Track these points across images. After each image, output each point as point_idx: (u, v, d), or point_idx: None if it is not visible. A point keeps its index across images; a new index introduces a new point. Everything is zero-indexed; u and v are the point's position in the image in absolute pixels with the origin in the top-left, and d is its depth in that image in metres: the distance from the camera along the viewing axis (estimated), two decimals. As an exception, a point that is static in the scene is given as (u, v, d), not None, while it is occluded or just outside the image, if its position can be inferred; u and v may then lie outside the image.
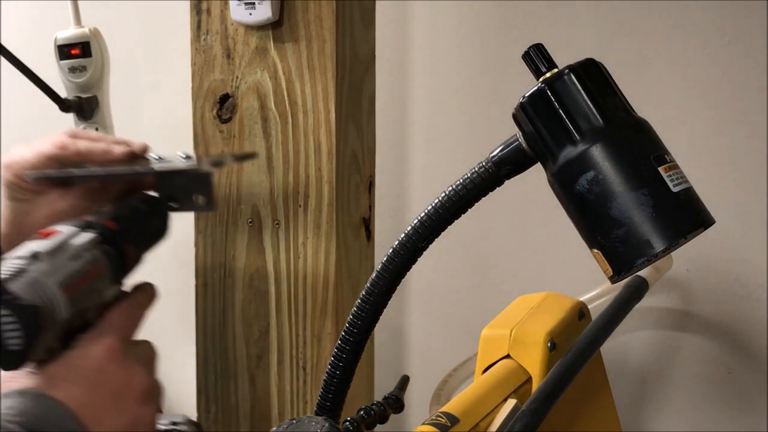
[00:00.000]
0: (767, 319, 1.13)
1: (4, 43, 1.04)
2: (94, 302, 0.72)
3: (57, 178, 0.82)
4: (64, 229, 0.71)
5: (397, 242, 0.61)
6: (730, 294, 1.15)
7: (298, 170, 0.96)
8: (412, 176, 1.33)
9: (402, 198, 1.34)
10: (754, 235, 1.13)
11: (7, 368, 0.66)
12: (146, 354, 0.75)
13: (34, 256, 0.66)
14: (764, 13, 1.09)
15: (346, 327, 0.64)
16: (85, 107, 1.14)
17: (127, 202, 0.81)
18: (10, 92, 1.57)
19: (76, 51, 1.12)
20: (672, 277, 1.16)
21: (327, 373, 0.65)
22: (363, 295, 0.63)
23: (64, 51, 1.13)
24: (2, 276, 0.64)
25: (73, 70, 1.13)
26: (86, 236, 0.71)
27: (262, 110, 0.97)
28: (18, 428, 0.62)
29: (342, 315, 0.96)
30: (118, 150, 0.84)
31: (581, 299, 0.77)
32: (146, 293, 0.78)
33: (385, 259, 0.62)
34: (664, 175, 0.52)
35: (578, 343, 0.60)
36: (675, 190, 0.52)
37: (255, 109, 0.97)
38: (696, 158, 1.14)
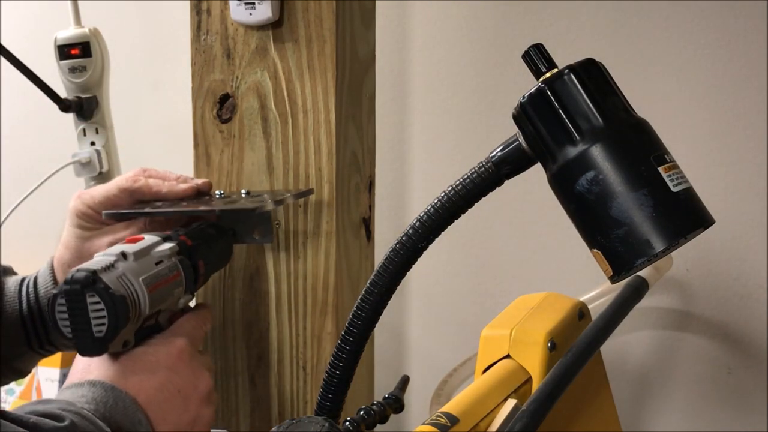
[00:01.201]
0: (767, 319, 1.14)
1: (4, 43, 1.04)
2: (168, 306, 0.78)
3: (127, 214, 0.86)
4: (147, 237, 0.78)
5: (397, 242, 0.61)
6: (730, 294, 1.15)
7: (298, 170, 0.96)
8: (412, 176, 1.33)
9: (402, 198, 1.34)
10: (754, 235, 1.13)
11: (88, 354, 0.71)
12: (208, 363, 0.80)
13: (123, 255, 0.73)
14: (764, 13, 1.09)
15: (346, 327, 0.64)
16: (85, 107, 1.14)
17: (197, 225, 0.87)
18: (9, 92, 1.57)
19: (76, 51, 1.12)
20: (672, 277, 1.16)
21: (327, 373, 0.65)
22: (363, 295, 0.63)
23: (64, 51, 1.13)
24: (95, 267, 0.69)
25: (73, 70, 1.13)
26: (167, 245, 0.78)
27: (262, 110, 0.97)
28: (90, 414, 0.66)
29: (342, 315, 0.96)
30: (183, 187, 0.90)
31: (581, 299, 0.77)
32: (208, 310, 0.85)
33: (385, 259, 0.62)
34: (664, 175, 0.52)
35: (578, 343, 0.60)
36: (675, 190, 0.52)
37: (255, 109, 0.97)
38: (696, 158, 1.14)
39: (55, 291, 0.69)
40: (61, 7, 1.15)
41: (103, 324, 0.68)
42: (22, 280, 0.91)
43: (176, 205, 0.87)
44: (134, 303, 0.71)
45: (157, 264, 0.75)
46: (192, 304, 0.85)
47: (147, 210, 0.85)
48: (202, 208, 0.86)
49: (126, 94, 1.32)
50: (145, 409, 0.71)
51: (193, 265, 0.81)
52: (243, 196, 0.93)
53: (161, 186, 0.88)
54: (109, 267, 0.70)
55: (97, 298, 0.68)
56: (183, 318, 0.80)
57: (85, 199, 0.88)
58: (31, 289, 0.89)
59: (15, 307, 0.89)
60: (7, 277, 0.93)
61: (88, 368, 0.72)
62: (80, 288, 0.67)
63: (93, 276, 0.68)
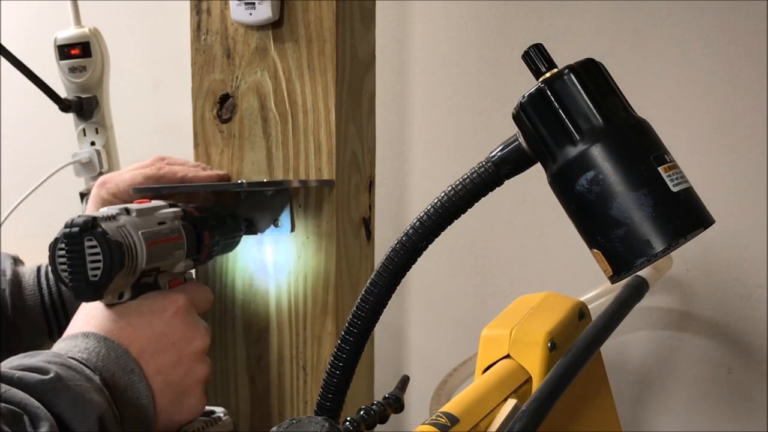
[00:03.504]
0: (767, 319, 1.13)
1: (4, 43, 1.04)
2: (168, 266, 0.79)
3: (156, 189, 0.90)
4: (155, 201, 0.81)
5: (397, 242, 0.61)
6: (730, 294, 1.15)
7: (298, 170, 0.96)
8: (412, 176, 1.33)
9: (402, 198, 1.34)
10: (754, 235, 1.13)
11: (83, 299, 0.72)
12: (206, 326, 0.81)
13: (126, 210, 0.75)
14: (764, 13, 1.09)
15: (346, 327, 0.64)
16: (85, 107, 1.14)
17: (211, 205, 0.91)
18: (9, 92, 1.57)
19: (76, 51, 1.12)
20: (672, 277, 1.16)
21: (327, 373, 0.65)
22: (363, 295, 0.63)
23: (64, 51, 1.13)
24: (97, 215, 0.71)
25: (73, 70, 1.13)
26: (172, 209, 0.81)
27: (262, 110, 0.97)
28: (77, 364, 0.67)
29: (342, 315, 0.96)
30: (207, 173, 0.93)
31: (581, 299, 0.77)
32: (209, 290, 0.86)
33: (384, 259, 0.61)
34: (664, 175, 0.52)
35: (578, 343, 0.60)
36: (675, 190, 0.52)
37: (255, 109, 0.97)
38: (696, 158, 1.14)
39: (57, 235, 0.70)
40: (61, 7, 1.15)
41: (98, 268, 0.69)
42: (38, 269, 0.91)
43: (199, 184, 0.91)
44: (131, 252, 0.72)
45: (159, 224, 0.77)
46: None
47: (175, 186, 0.89)
48: (229, 182, 0.89)
49: (126, 94, 1.32)
50: (138, 359, 0.72)
51: (197, 233, 0.83)
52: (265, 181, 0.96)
53: (186, 171, 0.91)
54: (111, 217, 0.72)
55: (94, 242, 0.69)
56: (186, 283, 0.82)
57: (110, 188, 0.89)
58: (51, 281, 0.89)
59: (36, 299, 0.89)
60: (22, 267, 0.92)
61: (86, 321, 0.74)
62: (79, 231, 0.69)
63: (93, 221, 0.70)
